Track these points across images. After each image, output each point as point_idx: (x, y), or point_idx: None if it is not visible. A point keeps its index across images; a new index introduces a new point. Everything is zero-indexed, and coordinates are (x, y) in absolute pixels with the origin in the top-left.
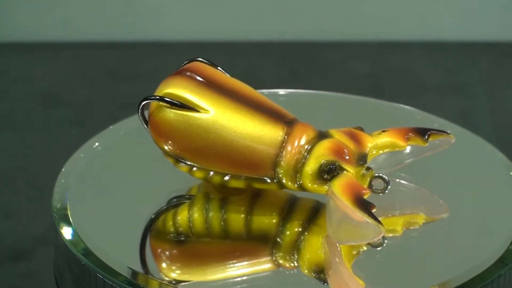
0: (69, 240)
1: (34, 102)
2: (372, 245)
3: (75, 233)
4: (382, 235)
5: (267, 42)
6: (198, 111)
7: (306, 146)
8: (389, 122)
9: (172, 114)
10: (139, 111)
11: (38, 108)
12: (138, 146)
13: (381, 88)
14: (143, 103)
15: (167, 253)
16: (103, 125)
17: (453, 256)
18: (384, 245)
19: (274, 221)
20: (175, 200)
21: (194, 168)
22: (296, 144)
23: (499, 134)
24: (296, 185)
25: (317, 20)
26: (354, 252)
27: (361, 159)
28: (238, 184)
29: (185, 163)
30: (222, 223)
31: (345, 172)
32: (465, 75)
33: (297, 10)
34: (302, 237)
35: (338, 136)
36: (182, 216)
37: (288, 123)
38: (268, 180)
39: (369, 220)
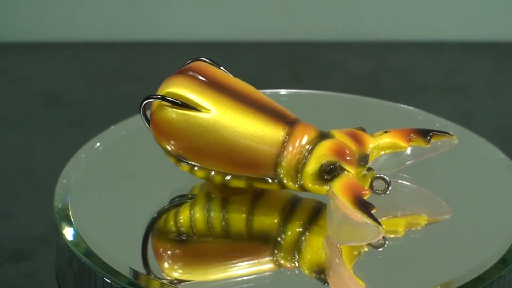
0: (71, 240)
1: (34, 102)
2: (373, 246)
3: (76, 234)
4: (381, 236)
5: (267, 42)
6: (199, 111)
7: (307, 146)
8: (390, 122)
9: (173, 113)
10: (141, 110)
11: (38, 108)
12: (139, 146)
13: (381, 88)
14: (145, 102)
15: (168, 252)
16: (104, 125)
17: (454, 257)
18: (385, 246)
19: (275, 221)
20: (177, 199)
21: (196, 168)
22: (297, 144)
23: (500, 134)
24: (297, 185)
25: (318, 20)
26: (355, 253)
27: (362, 159)
28: (239, 184)
29: (186, 162)
30: (223, 222)
31: (345, 172)
32: (466, 75)
33: (297, 10)
34: (303, 238)
35: (340, 136)
36: (184, 215)
37: (289, 123)
38: (269, 180)
39: (369, 220)
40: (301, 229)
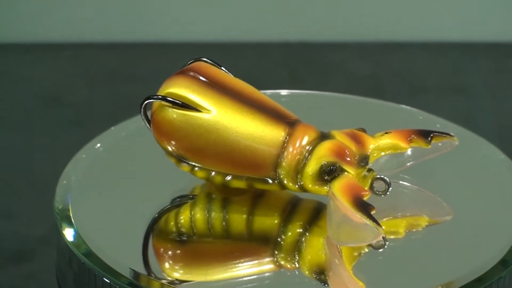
0: (71, 241)
1: (34, 102)
2: (374, 247)
3: (77, 234)
4: (380, 237)
5: (268, 43)
6: (200, 111)
7: (307, 147)
8: (391, 123)
9: (174, 113)
10: (142, 110)
11: (38, 108)
12: (139, 147)
13: (382, 89)
14: (145, 102)
15: (169, 253)
16: (104, 126)
17: (454, 258)
18: (386, 247)
19: (275, 221)
20: (178, 199)
21: (196, 168)
22: (297, 144)
23: (501, 134)
24: (297, 186)
25: (318, 20)
26: (356, 254)
27: (362, 160)
28: (240, 184)
29: (187, 163)
30: (224, 223)
31: (345, 173)
32: (466, 75)
33: (297, 11)
34: (303, 238)
35: (340, 137)
36: (185, 216)
37: (290, 123)
38: (270, 181)
39: (368, 221)
40: (301, 230)
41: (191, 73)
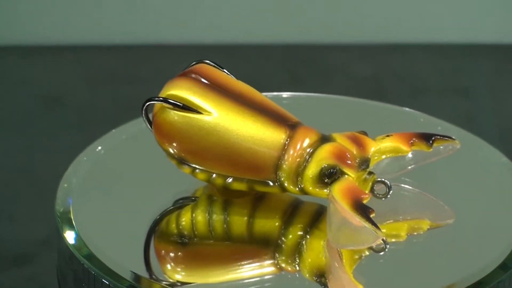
0: (72, 244)
1: (35, 105)
2: (374, 250)
3: (78, 237)
4: (380, 240)
5: (269, 45)
6: (200, 113)
7: (308, 150)
8: (392, 125)
9: (175, 115)
10: (143, 112)
11: (39, 111)
12: (141, 150)
13: (383, 91)
14: (147, 104)
15: (170, 255)
16: (105, 128)
17: (455, 261)
18: (386, 250)
19: (276, 224)
20: (180, 201)
21: (197, 170)
22: (298, 147)
23: (503, 136)
24: (297, 189)
25: (319, 22)
26: (356, 257)
27: (363, 163)
28: (240, 186)
29: (187, 164)
30: (224, 225)
31: (346, 176)
32: (468, 77)
33: (298, 13)
34: (304, 241)
35: (341, 140)
36: (186, 218)
37: (291, 126)
38: (270, 183)
39: (367, 225)
40: (302, 233)
41: (193, 75)
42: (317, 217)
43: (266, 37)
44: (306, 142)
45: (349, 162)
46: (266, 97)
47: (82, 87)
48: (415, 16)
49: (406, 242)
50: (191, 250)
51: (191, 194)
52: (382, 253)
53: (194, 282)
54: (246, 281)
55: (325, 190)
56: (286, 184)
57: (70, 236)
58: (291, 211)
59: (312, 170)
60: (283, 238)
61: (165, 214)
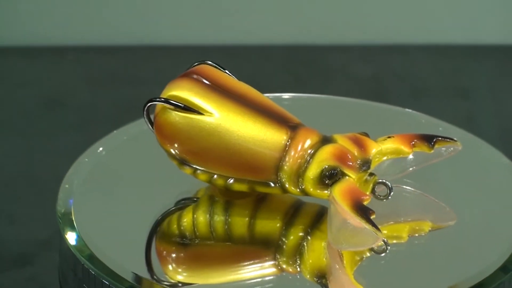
0: (73, 245)
1: (36, 106)
2: (375, 252)
3: (79, 238)
4: (380, 241)
5: (270, 46)
6: (202, 114)
7: (309, 151)
8: (393, 126)
9: (176, 116)
10: (144, 112)
11: (41, 112)
12: (142, 151)
13: (384, 92)
14: (148, 104)
15: (171, 256)
16: (106, 129)
17: (456, 263)
18: (388, 251)
19: (277, 225)
20: (183, 202)
21: (198, 171)
22: (299, 148)
23: (504, 137)
24: (298, 190)
25: (320, 23)
26: (357, 258)
27: (364, 164)
28: (242, 187)
29: (189, 165)
30: (226, 226)
31: (346, 177)
32: (468, 78)
33: (299, 14)
34: (305, 242)
35: (342, 141)
36: (187, 218)
37: (292, 127)
38: (271, 184)
39: (367, 226)
40: (303, 234)
41: (195, 76)
42: (318, 218)
43: (267, 38)
44: (307, 143)
45: (350, 163)
46: (267, 98)
47: (83, 88)
48: (415, 17)
49: (407, 244)
50: (192, 250)
51: (192, 195)
52: (383, 255)
53: (195, 283)
54: (247, 282)
55: (326, 191)
56: (287, 185)
57: (71, 237)
58: (293, 212)
59: (313, 171)
60: (284, 239)
61: (166, 214)
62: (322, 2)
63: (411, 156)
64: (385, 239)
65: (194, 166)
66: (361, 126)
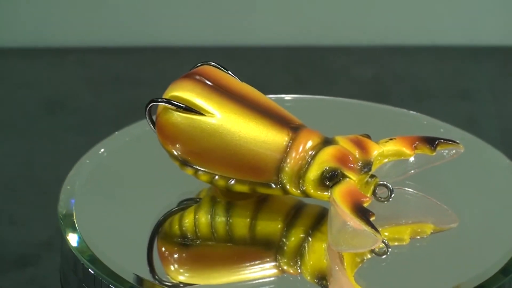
0: (75, 246)
1: (38, 107)
2: (377, 253)
3: (81, 240)
4: (379, 243)
5: (271, 47)
6: (203, 115)
7: (310, 152)
8: (395, 128)
9: (178, 117)
10: (146, 113)
11: (42, 114)
12: (143, 152)
13: (386, 93)
14: (150, 105)
15: (173, 257)
16: (108, 131)
17: (457, 265)
18: (388, 253)
19: (278, 226)
20: (185, 202)
21: (199, 172)
22: (300, 149)
23: (505, 138)
24: (299, 191)
25: (321, 24)
26: (358, 260)
27: (365, 166)
28: (243, 188)
29: (190, 166)
30: (227, 227)
31: (347, 179)
32: (471, 79)
33: (300, 15)
34: (306, 243)
35: (344, 143)
36: (189, 219)
37: (293, 128)
38: (273, 185)
39: (367, 228)
40: (304, 235)
41: (197, 77)
42: (319, 219)
43: (268, 39)
44: (309, 144)
45: (351, 165)
46: (269, 99)
47: (84, 89)
48: (417, 18)
49: (409, 246)
50: (193, 251)
51: (195, 196)
52: (384, 257)
53: (196, 284)
54: (248, 282)
55: (326, 193)
56: (288, 187)
57: (73, 239)
58: (294, 213)
59: (313, 172)
60: (285, 241)
61: (168, 215)
62: (323, 4)
63: (412, 158)
64: (386, 241)
65: (195, 166)
66: (363, 128)
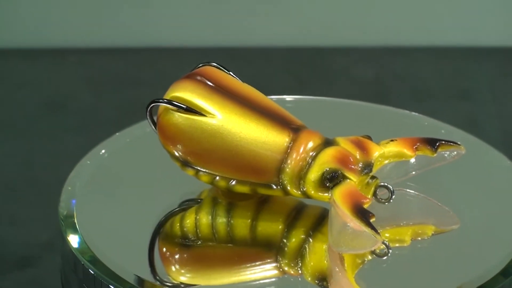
0: (76, 247)
1: (39, 108)
2: (377, 255)
3: (81, 241)
4: (378, 244)
5: (272, 48)
6: (204, 115)
7: (311, 153)
8: (396, 128)
9: (178, 117)
10: (147, 113)
11: (43, 114)
12: (144, 153)
13: (386, 94)
14: (151, 105)
15: (174, 257)
16: (108, 131)
17: (458, 266)
18: (389, 254)
19: (279, 227)
20: (187, 203)
21: (200, 172)
22: (301, 150)
23: (506, 139)
24: (299, 192)
25: (322, 25)
26: (359, 261)
27: (366, 167)
28: (244, 189)
29: (191, 167)
30: (228, 228)
31: (347, 180)
32: (471, 80)
33: (301, 16)
34: (307, 244)
35: (344, 144)
36: (190, 220)
37: (294, 129)
38: (273, 186)
39: (366, 229)
40: (304, 236)
41: (198, 77)
42: (320, 220)
43: (269, 40)
44: (309, 145)
45: (351, 166)
46: (271, 100)
47: (85, 89)
48: (417, 19)
49: (410, 247)
50: (194, 252)
51: (196, 196)
52: (385, 258)
53: (197, 284)
54: (249, 283)
55: (327, 194)
56: (288, 188)
57: (73, 240)
58: (295, 214)
59: (314, 174)
60: (286, 241)
61: (169, 215)
62: (324, 4)
63: (413, 160)
64: (387, 242)
65: (196, 167)
66: (364, 128)
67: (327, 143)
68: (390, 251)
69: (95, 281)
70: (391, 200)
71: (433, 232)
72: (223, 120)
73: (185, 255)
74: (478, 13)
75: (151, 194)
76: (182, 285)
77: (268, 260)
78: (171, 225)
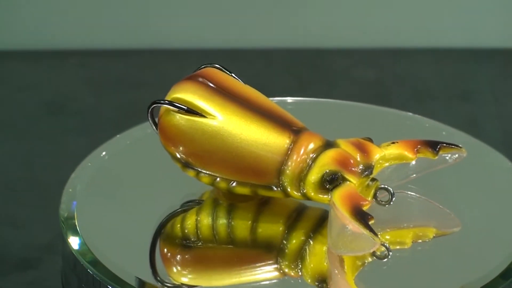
0: (76, 249)
1: (40, 110)
2: (378, 257)
3: (82, 243)
4: (377, 246)
5: (274, 50)
6: (205, 117)
7: (311, 155)
8: (397, 130)
9: (180, 119)
10: (149, 114)
11: (44, 116)
12: (145, 155)
13: (388, 96)
14: (152, 107)
15: (174, 258)
16: (109, 133)
17: (458, 269)
18: (389, 257)
19: (280, 229)
20: (187, 204)
21: (201, 174)
22: (301, 152)
23: (506, 139)
24: (300, 194)
25: (324, 27)
26: (359, 263)
27: (366, 170)
28: (244, 190)
29: (192, 168)
30: (228, 229)
31: (347, 182)
32: (472, 81)
33: (303, 18)
34: (307, 246)
35: (345, 146)
36: (191, 221)
37: (295, 131)
38: (274, 188)
39: (365, 231)
40: (305, 238)
41: (200, 79)
42: (321, 222)
43: (271, 41)
44: (310, 147)
45: (351, 168)
46: (272, 101)
47: (86, 91)
48: (418, 20)
49: (411, 250)
50: (195, 253)
51: (197, 197)
52: (385, 260)
53: (198, 285)
54: (249, 284)
55: (327, 196)
56: (289, 189)
57: (74, 242)
58: (295, 216)
59: (314, 175)
60: (286, 243)
61: (170, 217)
62: (325, 6)
63: (414, 162)
64: (387, 245)
65: (197, 168)
66: (365, 130)
67: (328, 145)
68: (391, 253)
69: (95, 283)
70: (392, 202)
71: (434, 235)
72: (224, 121)
73: (186, 256)
74: (479, 15)
75: (152, 195)
76: (183, 286)
77: (268, 262)
78: (172, 227)
